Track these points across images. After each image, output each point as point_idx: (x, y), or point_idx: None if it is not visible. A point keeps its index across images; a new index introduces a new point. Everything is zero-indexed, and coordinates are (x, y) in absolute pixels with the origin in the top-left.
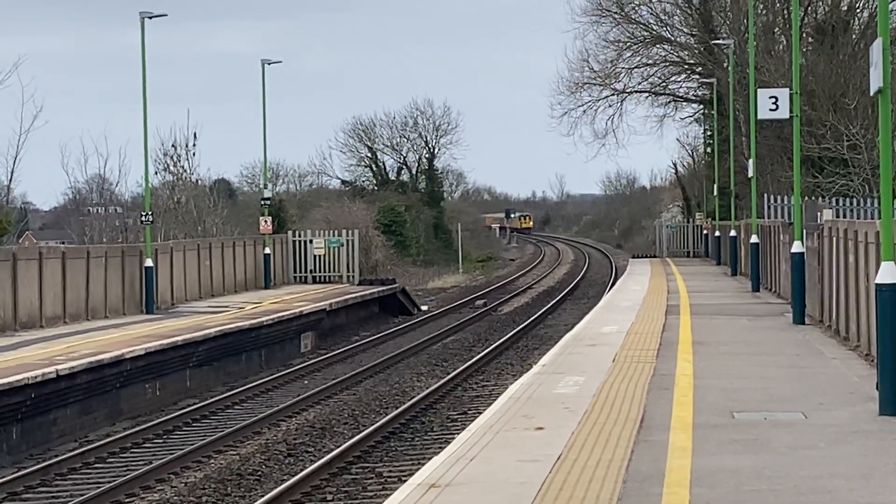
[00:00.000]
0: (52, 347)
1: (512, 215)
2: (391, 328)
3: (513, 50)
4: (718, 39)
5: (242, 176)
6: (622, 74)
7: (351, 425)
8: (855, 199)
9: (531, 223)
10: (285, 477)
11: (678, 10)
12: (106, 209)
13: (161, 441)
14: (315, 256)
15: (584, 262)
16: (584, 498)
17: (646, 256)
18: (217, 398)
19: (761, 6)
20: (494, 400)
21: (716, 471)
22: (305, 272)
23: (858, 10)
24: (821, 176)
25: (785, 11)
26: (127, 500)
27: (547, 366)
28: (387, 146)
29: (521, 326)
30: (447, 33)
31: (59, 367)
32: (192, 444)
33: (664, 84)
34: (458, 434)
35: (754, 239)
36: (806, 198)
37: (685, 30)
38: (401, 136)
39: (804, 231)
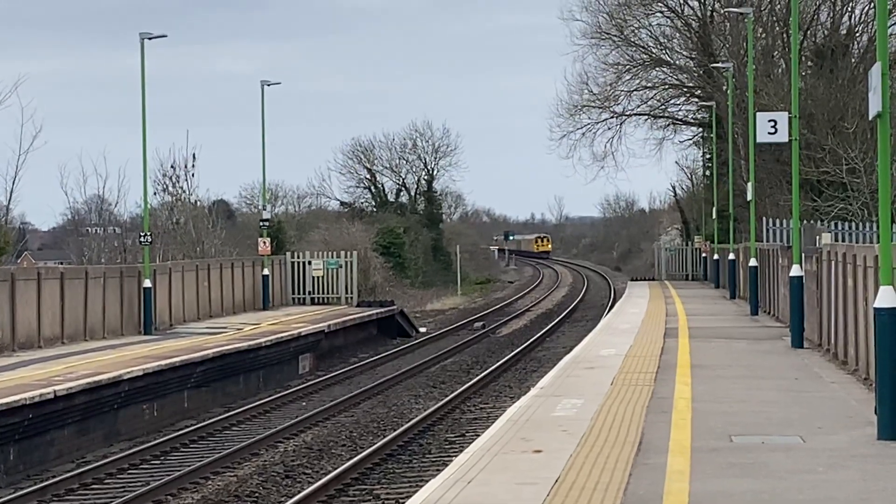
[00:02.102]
0: (50, 368)
1: (511, 237)
2: (389, 350)
3: (512, 72)
4: (717, 63)
5: (241, 197)
6: (621, 97)
7: (349, 447)
8: (854, 223)
9: (550, 246)
10: (283, 499)
11: (677, 34)
12: (105, 230)
13: (158, 462)
14: (313, 278)
15: (582, 285)
16: None
17: (644, 279)
18: (215, 419)
19: (760, 30)
20: (493, 422)
21: (714, 494)
22: (304, 293)
23: (857, 35)
24: (819, 199)
25: (784, 35)
26: None
27: (545, 388)
28: (386, 168)
29: (519, 349)
30: (447, 56)
31: (56, 387)
32: (190, 466)
33: (663, 107)
34: (456, 456)
35: (753, 262)
36: (804, 221)
37: (684, 53)
38: (400, 158)
39: (803, 255)
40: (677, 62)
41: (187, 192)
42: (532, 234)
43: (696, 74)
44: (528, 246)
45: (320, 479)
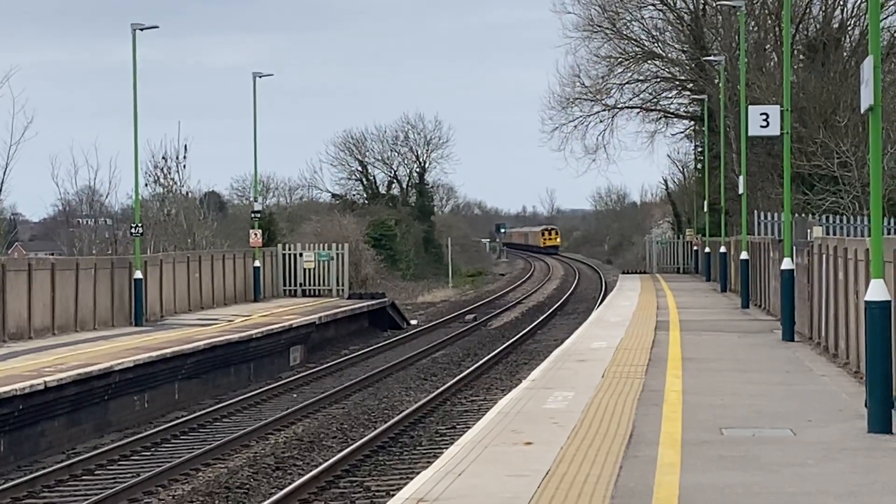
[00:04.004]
0: (41, 359)
1: (502, 229)
2: (380, 342)
3: (504, 65)
4: (710, 56)
5: (233, 189)
6: (613, 90)
7: (339, 439)
8: (845, 217)
9: (559, 239)
10: (273, 490)
11: (669, 27)
12: (96, 221)
13: (149, 454)
14: (305, 270)
15: (573, 278)
16: None
17: (636, 272)
18: (205, 411)
19: (752, 23)
20: (483, 415)
21: (704, 487)
22: (295, 285)
23: (850, 28)
24: (811, 193)
25: (776, 28)
26: None
27: (536, 381)
28: (377, 160)
29: (510, 341)
30: (439, 48)
31: (47, 378)
32: (180, 457)
33: (655, 100)
34: (446, 448)
35: (744, 255)
36: (796, 215)
37: (676, 46)
38: (391, 150)
39: (794, 248)
40: (669, 55)
41: (179, 184)
42: (538, 227)
43: (688, 67)
44: (535, 239)
45: (311, 470)
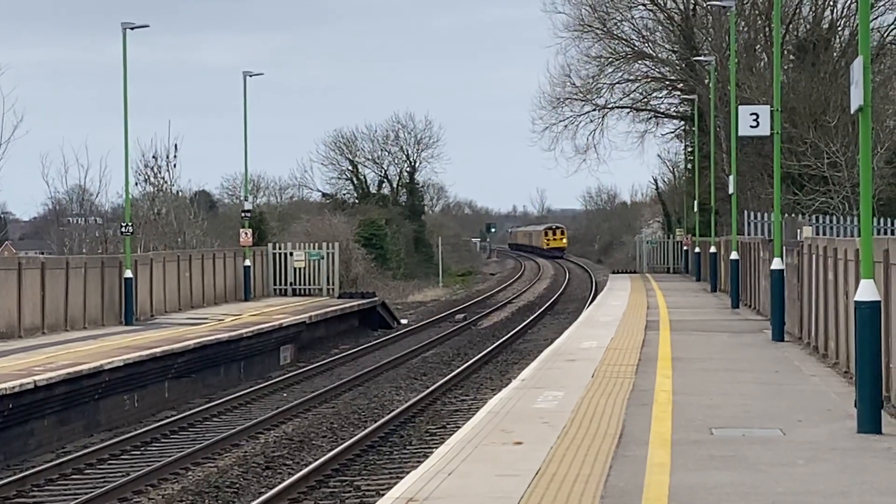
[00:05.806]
0: (31, 358)
1: (493, 229)
2: (371, 341)
3: (495, 65)
4: (700, 56)
5: (223, 188)
6: (604, 90)
7: (330, 438)
8: (835, 217)
9: (565, 240)
10: (263, 490)
11: (660, 27)
12: (86, 220)
13: (139, 453)
14: (295, 269)
15: (563, 278)
16: None
17: (626, 272)
18: (195, 410)
19: (743, 23)
20: (473, 414)
21: (694, 487)
22: (285, 285)
23: (839, 29)
24: (801, 193)
25: (766, 29)
26: None
27: (526, 380)
28: (368, 159)
29: (500, 341)
30: (430, 48)
31: (37, 377)
32: (170, 456)
33: (645, 100)
34: (436, 448)
35: (734, 255)
36: (786, 215)
37: (667, 46)
38: (382, 150)
39: (784, 248)
40: (660, 55)
41: (169, 183)
42: (541, 225)
43: (678, 68)
44: (537, 240)
45: (301, 470)
